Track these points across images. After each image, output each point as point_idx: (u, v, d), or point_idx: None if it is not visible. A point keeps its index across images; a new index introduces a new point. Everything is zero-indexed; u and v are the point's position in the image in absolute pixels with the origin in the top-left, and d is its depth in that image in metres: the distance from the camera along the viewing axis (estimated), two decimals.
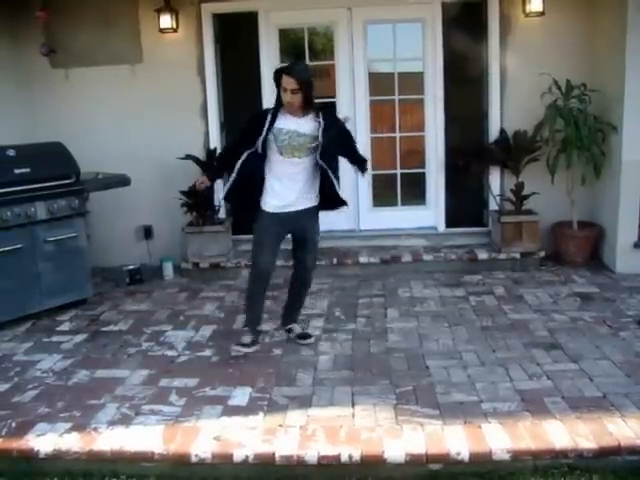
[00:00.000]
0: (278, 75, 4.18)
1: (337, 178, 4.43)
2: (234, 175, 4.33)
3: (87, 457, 3.34)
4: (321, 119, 4.25)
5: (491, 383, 3.86)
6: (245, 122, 4.42)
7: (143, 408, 3.74)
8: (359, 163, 4.54)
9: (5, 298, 5.08)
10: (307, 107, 4.23)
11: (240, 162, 4.31)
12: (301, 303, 4.81)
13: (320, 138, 4.22)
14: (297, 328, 4.74)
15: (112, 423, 3.58)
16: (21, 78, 6.61)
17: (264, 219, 4.37)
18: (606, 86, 5.99)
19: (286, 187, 4.32)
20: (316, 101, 4.33)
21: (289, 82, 4.10)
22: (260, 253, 4.41)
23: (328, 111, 4.43)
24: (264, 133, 4.21)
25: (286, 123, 4.23)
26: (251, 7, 6.49)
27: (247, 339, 4.47)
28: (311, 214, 4.47)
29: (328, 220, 6.71)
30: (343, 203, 4.55)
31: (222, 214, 6.70)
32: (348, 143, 4.48)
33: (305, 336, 4.69)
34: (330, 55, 6.70)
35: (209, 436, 3.40)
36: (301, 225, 4.44)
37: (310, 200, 4.41)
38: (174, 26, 6.41)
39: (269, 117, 4.25)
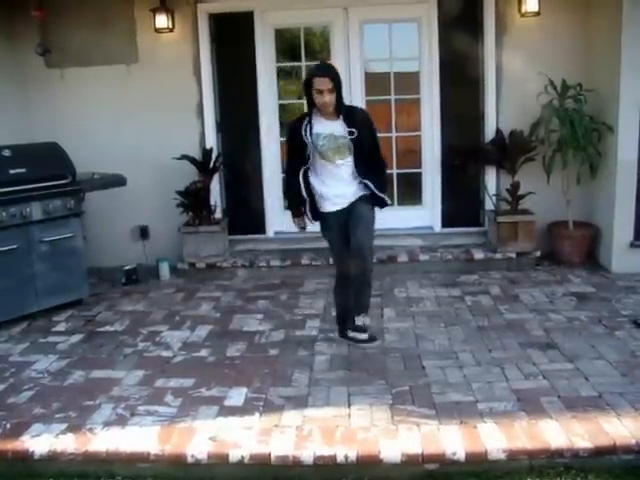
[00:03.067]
0: (309, 78, 4.15)
1: (377, 175, 4.36)
2: (306, 198, 4.33)
3: (82, 458, 3.33)
4: (344, 119, 4.23)
5: (487, 383, 3.87)
6: (287, 140, 4.46)
7: (139, 409, 3.74)
8: (378, 173, 4.39)
9: (1, 298, 5.07)
10: (339, 107, 4.20)
11: (302, 183, 4.31)
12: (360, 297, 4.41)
13: (352, 137, 4.21)
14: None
15: (108, 424, 3.57)
16: (17, 78, 6.59)
17: (327, 220, 4.39)
18: (602, 86, 6.00)
19: (335, 187, 4.30)
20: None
21: (324, 82, 4.06)
22: (334, 255, 4.57)
23: (350, 110, 4.35)
24: (308, 141, 4.21)
25: (322, 127, 4.21)
26: (247, 7, 6.48)
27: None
28: (358, 203, 4.34)
29: None
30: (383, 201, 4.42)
31: (218, 214, 6.70)
32: (371, 143, 4.34)
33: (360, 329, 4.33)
34: (326, 55, 6.69)
35: (205, 436, 3.40)
36: (348, 215, 4.32)
37: (358, 192, 4.34)
38: (170, 26, 6.40)
39: (305, 124, 4.22)
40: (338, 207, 4.32)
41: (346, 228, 4.31)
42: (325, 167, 4.27)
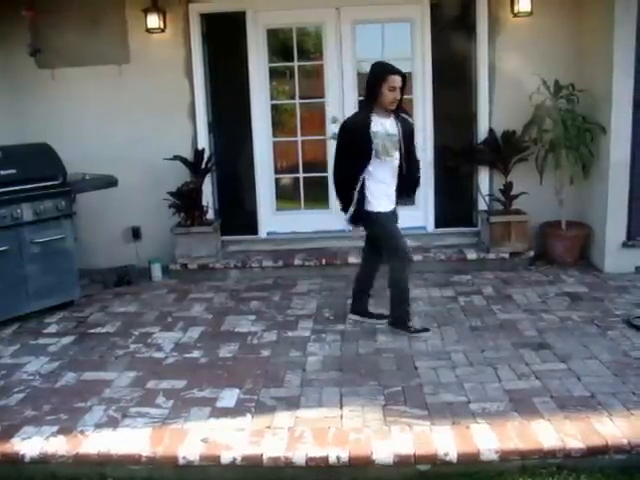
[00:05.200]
0: (384, 74, 4.35)
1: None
2: (358, 197, 4.52)
3: (74, 460, 3.31)
4: (395, 118, 4.51)
5: (480, 383, 3.86)
6: (344, 140, 4.49)
7: (130, 410, 3.72)
8: (415, 172, 4.84)
9: None
10: (398, 106, 4.47)
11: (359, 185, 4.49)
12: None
13: (400, 136, 4.50)
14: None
15: (99, 426, 3.55)
16: (7, 78, 6.55)
17: (384, 219, 4.56)
18: (594, 86, 6.01)
19: (388, 186, 4.55)
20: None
21: (399, 80, 4.37)
22: (402, 242, 4.60)
23: (398, 111, 4.56)
24: (371, 139, 4.40)
25: (376, 125, 4.42)
26: (239, 7, 6.47)
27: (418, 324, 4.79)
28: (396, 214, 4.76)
29: (317, 220, 6.79)
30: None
31: (210, 215, 6.68)
32: (412, 144, 4.72)
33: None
34: (319, 55, 6.69)
35: (197, 438, 3.38)
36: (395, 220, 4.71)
37: (394, 201, 4.69)
38: (161, 26, 6.38)
39: (370, 120, 4.41)
40: (388, 209, 4.56)
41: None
42: (379, 166, 4.48)
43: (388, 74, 4.34)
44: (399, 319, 4.73)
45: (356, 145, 4.41)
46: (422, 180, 6.58)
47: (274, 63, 6.73)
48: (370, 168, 4.47)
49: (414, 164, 4.78)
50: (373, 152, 4.41)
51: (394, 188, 4.62)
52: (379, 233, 4.63)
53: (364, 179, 4.47)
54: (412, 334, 4.64)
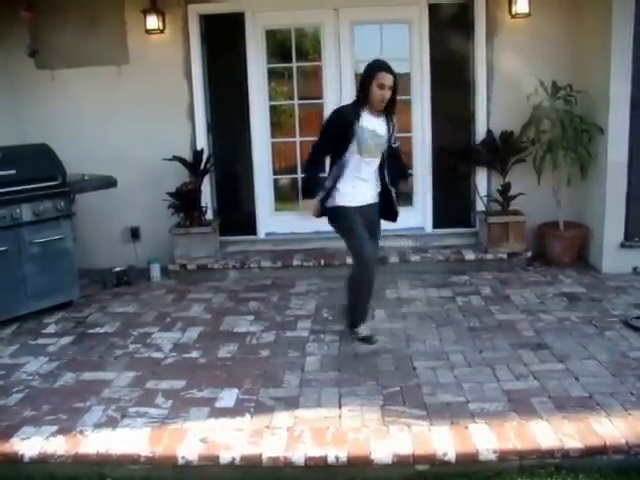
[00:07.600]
0: (373, 72, 4.23)
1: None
2: (333, 185, 4.36)
3: (73, 460, 3.31)
4: (390, 121, 4.40)
5: (478, 383, 3.87)
6: (329, 126, 4.39)
7: (129, 410, 3.72)
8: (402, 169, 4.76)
9: None
10: (390, 107, 4.33)
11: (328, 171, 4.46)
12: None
13: (390, 139, 4.41)
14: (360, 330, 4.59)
15: (98, 426, 3.56)
16: (6, 79, 6.56)
17: (350, 214, 4.35)
18: (592, 87, 6.02)
19: (363, 184, 4.39)
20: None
21: (388, 79, 4.20)
22: (362, 245, 4.31)
23: (393, 114, 4.45)
24: (356, 134, 4.25)
25: (369, 122, 4.30)
26: (238, 8, 6.48)
27: (365, 330, 4.55)
28: (377, 210, 4.55)
29: (315, 221, 6.77)
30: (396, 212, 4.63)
31: (209, 215, 6.69)
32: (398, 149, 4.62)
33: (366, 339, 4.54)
34: (317, 56, 6.70)
35: (196, 438, 3.39)
36: (370, 219, 4.48)
37: (376, 197, 4.51)
38: (160, 27, 6.39)
39: (357, 114, 4.27)
40: (358, 204, 4.39)
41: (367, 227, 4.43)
42: (358, 162, 4.33)
43: (377, 71, 4.20)
44: (346, 324, 4.68)
45: (340, 135, 4.26)
46: (420, 181, 6.76)
47: (273, 64, 6.74)
48: (349, 163, 4.30)
49: (398, 167, 4.64)
50: (355, 147, 4.25)
51: (368, 187, 4.42)
52: (342, 230, 4.44)
53: (338, 171, 4.32)
54: (354, 341, 4.55)
